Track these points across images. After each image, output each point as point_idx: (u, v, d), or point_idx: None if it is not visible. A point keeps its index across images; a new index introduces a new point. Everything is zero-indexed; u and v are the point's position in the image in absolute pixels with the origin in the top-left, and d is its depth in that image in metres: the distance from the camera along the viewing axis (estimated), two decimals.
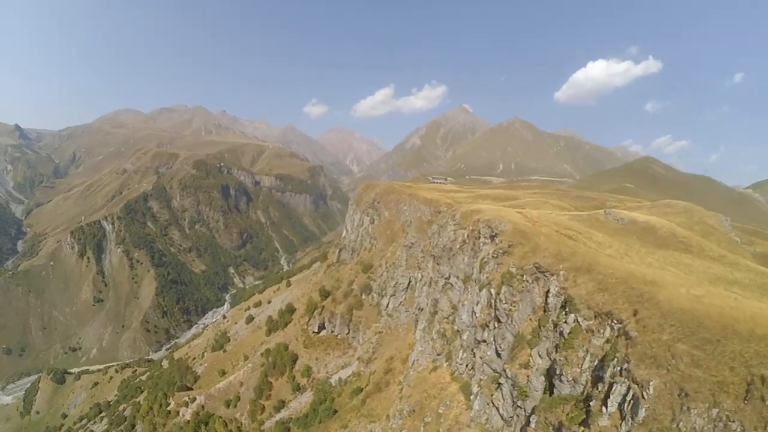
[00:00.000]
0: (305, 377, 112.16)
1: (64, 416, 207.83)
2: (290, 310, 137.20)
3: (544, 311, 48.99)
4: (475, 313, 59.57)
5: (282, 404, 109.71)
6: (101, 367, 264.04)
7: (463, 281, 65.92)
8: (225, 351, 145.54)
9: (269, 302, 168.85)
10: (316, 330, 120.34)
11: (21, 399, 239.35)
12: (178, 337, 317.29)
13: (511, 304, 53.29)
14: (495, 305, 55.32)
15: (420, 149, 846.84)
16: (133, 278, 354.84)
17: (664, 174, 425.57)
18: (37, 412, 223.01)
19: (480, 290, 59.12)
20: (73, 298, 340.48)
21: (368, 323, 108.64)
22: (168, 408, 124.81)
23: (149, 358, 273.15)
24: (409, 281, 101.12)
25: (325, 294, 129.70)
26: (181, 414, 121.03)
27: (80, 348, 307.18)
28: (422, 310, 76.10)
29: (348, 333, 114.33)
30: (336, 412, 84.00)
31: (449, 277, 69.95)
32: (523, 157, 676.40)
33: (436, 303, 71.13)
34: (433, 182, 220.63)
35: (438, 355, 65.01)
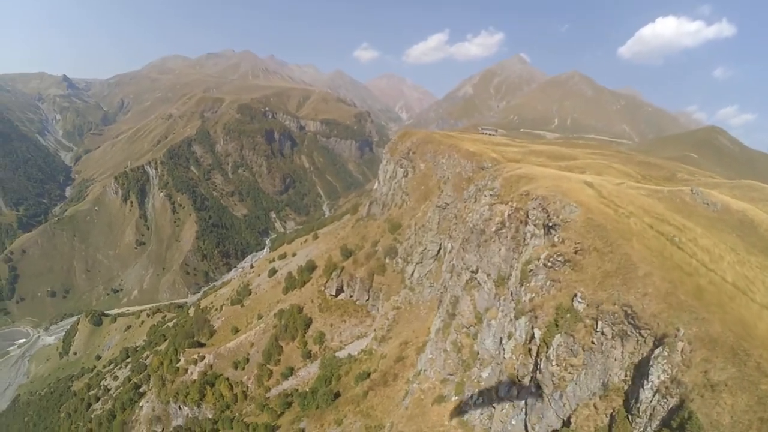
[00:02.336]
0: (317, 344, 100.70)
1: (98, 358, 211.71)
2: (310, 267, 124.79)
3: (628, 411, 27.10)
4: (503, 347, 40.37)
5: (290, 371, 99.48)
6: (136, 309, 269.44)
7: (494, 282, 47.34)
8: (242, 306, 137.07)
9: (294, 255, 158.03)
10: (333, 293, 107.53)
11: (61, 340, 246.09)
12: (216, 280, 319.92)
13: (566, 369, 31.90)
14: (537, 357, 34.93)
15: (472, 98, 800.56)
16: (174, 222, 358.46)
17: (730, 147, 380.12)
18: (75, 353, 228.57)
19: (517, 317, 38.59)
20: (116, 241, 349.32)
21: (389, 292, 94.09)
22: (177, 365, 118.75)
23: (181, 302, 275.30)
24: (439, 249, 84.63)
25: (347, 253, 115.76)
26: (189, 372, 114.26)
27: (122, 290, 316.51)
28: (446, 290, 59.06)
29: (368, 300, 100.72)
30: (337, 396, 71.61)
31: (476, 270, 50.56)
32: (581, 113, 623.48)
33: (455, 302, 52.69)
34: (482, 133, 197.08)
35: (449, 375, 48.80)
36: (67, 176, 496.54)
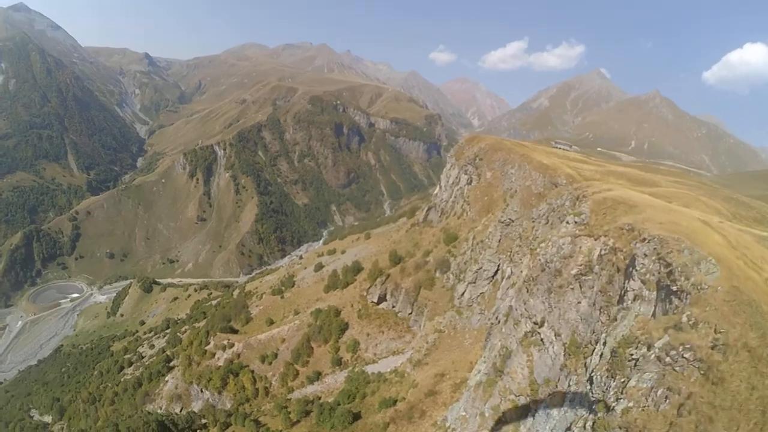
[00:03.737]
0: (350, 352, 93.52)
1: (142, 323, 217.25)
2: (356, 269, 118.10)
3: None
4: None
5: (317, 376, 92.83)
6: (186, 281, 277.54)
7: (564, 347, 35.12)
8: (282, 297, 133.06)
9: (343, 252, 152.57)
10: (375, 300, 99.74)
11: (111, 300, 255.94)
12: (269, 264, 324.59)
13: None
14: None
15: (546, 111, 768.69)
16: (236, 203, 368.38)
17: None
18: (122, 315, 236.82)
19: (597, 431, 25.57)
20: (178, 214, 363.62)
21: (434, 310, 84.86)
22: (206, 348, 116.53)
23: (232, 281, 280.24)
24: (497, 270, 74.27)
25: (396, 260, 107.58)
26: (216, 357, 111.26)
27: (177, 261, 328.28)
28: (499, 323, 48.83)
29: (410, 314, 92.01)
30: (356, 418, 63.87)
31: (541, 323, 38.60)
32: (659, 137, 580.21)
33: (506, 356, 41.09)
34: (555, 147, 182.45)
35: None
36: (140, 148, 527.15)
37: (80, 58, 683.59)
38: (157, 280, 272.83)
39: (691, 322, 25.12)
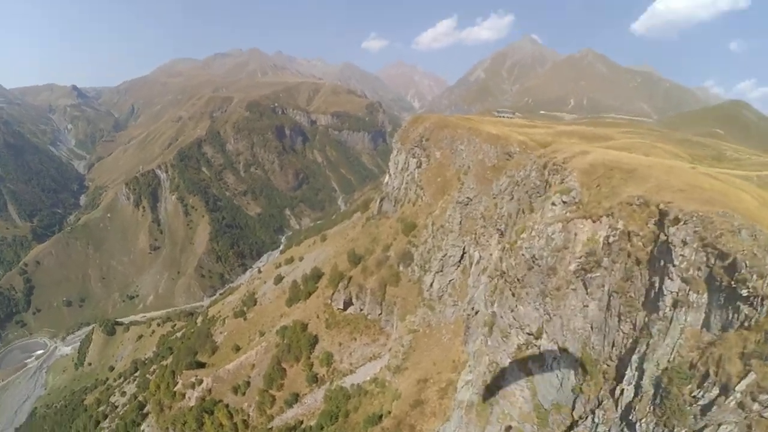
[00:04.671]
0: (325, 366, 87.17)
1: (111, 369, 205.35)
2: (316, 276, 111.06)
3: None
4: None
5: (295, 398, 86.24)
6: (149, 316, 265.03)
7: (576, 367, 27.94)
8: (245, 319, 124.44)
9: (301, 259, 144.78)
10: (341, 307, 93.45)
11: (77, 350, 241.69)
12: (232, 282, 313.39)
13: None
14: None
15: (484, 82, 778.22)
16: (188, 224, 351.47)
17: (756, 122, 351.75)
18: (90, 364, 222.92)
19: None
20: (130, 247, 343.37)
21: (405, 306, 79.45)
22: (174, 389, 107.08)
23: (197, 306, 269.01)
24: (462, 254, 69.44)
25: (355, 260, 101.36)
26: (186, 397, 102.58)
27: (137, 296, 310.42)
28: (477, 313, 43.20)
29: (380, 314, 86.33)
30: None
31: (538, 335, 31.23)
32: (597, 92, 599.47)
33: (498, 373, 34.45)
34: (499, 117, 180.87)
35: None
36: (81, 184, 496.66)
37: (6, 102, 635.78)
38: (119, 320, 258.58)
39: None
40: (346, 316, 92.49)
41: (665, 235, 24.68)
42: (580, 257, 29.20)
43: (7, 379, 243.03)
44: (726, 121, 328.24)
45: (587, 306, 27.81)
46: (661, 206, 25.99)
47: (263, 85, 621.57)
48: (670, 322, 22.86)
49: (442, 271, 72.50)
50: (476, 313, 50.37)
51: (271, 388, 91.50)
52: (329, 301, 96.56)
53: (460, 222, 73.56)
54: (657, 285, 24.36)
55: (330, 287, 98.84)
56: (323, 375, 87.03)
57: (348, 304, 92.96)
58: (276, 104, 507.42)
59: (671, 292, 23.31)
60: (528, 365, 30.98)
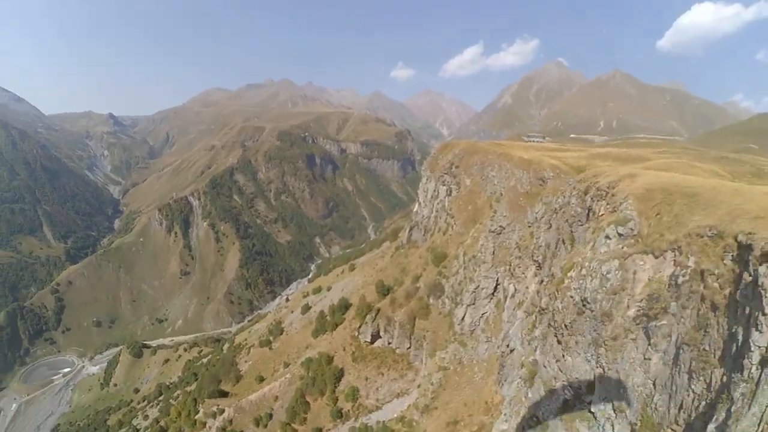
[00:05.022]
0: (350, 401, 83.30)
1: (136, 391, 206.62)
2: (343, 306, 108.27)
3: None
4: None
5: None
6: (177, 340, 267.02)
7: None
8: (271, 349, 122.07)
9: (329, 289, 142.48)
10: (368, 340, 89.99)
11: (103, 370, 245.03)
12: (260, 308, 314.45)
13: None
14: None
15: (512, 108, 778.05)
16: (218, 251, 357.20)
17: None
18: (115, 385, 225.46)
19: None
20: (161, 271, 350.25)
21: (435, 340, 75.50)
22: (195, 417, 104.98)
23: (225, 331, 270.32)
24: (496, 285, 65.63)
25: (383, 291, 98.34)
26: (207, 426, 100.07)
27: (166, 319, 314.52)
28: (512, 352, 39.43)
29: (409, 348, 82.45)
30: None
31: (588, 389, 27.02)
32: (626, 113, 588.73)
33: (536, 429, 30.02)
34: (529, 141, 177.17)
35: None
36: (115, 209, 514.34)
37: (45, 127, 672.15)
38: (147, 343, 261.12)
39: None
40: (373, 349, 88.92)
41: (750, 275, 20.22)
42: (641, 300, 24.75)
43: (33, 393, 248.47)
44: (759, 135, 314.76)
45: (650, 359, 23.51)
46: (740, 238, 21.53)
47: (294, 115, 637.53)
48: (757, 385, 18.31)
49: (474, 303, 68.67)
50: (511, 351, 46.40)
51: (294, 422, 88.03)
52: (356, 333, 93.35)
53: (493, 252, 70.01)
54: (740, 337, 19.88)
55: (357, 319, 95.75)
56: (348, 411, 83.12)
57: (375, 336, 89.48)
58: (306, 133, 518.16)
59: (759, 347, 18.82)
60: (575, 425, 26.63)
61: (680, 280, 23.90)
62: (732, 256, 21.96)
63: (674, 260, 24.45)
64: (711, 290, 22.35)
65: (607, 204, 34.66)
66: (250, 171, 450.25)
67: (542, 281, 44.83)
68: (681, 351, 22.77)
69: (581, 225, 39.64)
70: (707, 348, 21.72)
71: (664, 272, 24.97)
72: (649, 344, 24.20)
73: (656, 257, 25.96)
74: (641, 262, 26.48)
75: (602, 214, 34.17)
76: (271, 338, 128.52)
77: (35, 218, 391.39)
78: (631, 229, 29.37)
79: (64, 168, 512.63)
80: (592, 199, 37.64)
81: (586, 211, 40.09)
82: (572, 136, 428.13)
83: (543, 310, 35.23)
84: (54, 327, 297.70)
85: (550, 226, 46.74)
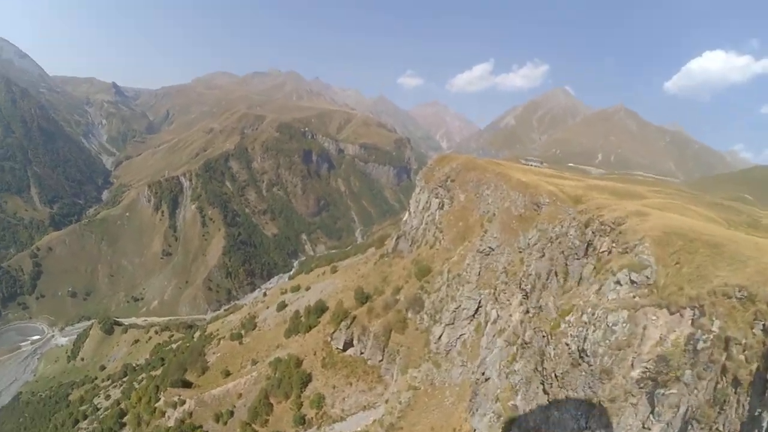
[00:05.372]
0: (314, 408, 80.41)
1: (102, 368, 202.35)
2: (320, 309, 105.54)
3: None
4: None
5: None
6: (150, 321, 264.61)
7: None
8: (241, 343, 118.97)
9: (308, 289, 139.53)
10: (341, 347, 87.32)
11: (72, 343, 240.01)
12: (238, 299, 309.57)
13: None
14: None
15: (514, 129, 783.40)
16: (203, 235, 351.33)
17: None
18: (82, 359, 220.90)
19: None
20: (143, 249, 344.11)
21: (408, 356, 73.10)
22: (156, 405, 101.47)
23: (199, 318, 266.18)
24: (477, 307, 63.54)
25: (362, 298, 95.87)
26: (166, 416, 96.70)
27: (142, 298, 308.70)
28: (487, 380, 37.29)
29: (381, 361, 79.98)
30: None
31: None
32: (626, 148, 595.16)
33: None
34: (526, 164, 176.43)
35: None
36: (105, 179, 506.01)
37: (47, 88, 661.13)
38: (119, 320, 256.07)
39: None
40: (344, 357, 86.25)
41: None
42: (648, 361, 21.83)
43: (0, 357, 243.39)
44: (755, 187, 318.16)
45: (649, 429, 20.83)
46: None
47: (297, 108, 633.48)
48: None
49: (453, 324, 66.49)
50: (486, 380, 44.24)
51: (255, 423, 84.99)
52: (329, 339, 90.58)
53: (479, 273, 67.97)
54: (764, 423, 17.29)
55: (332, 324, 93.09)
56: (311, 418, 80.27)
57: (348, 344, 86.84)
58: (307, 128, 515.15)
59: None
60: None
61: (700, 345, 21.11)
62: (764, 325, 19.28)
63: (692, 320, 21.74)
64: (735, 363, 19.55)
65: (613, 242, 31.96)
66: (245, 159, 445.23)
67: (527, 311, 42.80)
68: (689, 427, 20.09)
69: (577, 259, 37.58)
70: (721, 428, 19.18)
71: (680, 332, 22.17)
72: (652, 413, 21.49)
73: (672, 313, 23.16)
74: (654, 317, 23.61)
75: (604, 251, 31.79)
76: (243, 332, 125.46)
77: (24, 178, 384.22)
78: (647, 277, 26.39)
79: (61, 131, 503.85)
80: (593, 233, 35.43)
81: (585, 244, 38.03)
82: (570, 164, 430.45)
83: (526, 344, 33.14)
84: (29, 292, 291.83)
85: (543, 255, 44.72)
